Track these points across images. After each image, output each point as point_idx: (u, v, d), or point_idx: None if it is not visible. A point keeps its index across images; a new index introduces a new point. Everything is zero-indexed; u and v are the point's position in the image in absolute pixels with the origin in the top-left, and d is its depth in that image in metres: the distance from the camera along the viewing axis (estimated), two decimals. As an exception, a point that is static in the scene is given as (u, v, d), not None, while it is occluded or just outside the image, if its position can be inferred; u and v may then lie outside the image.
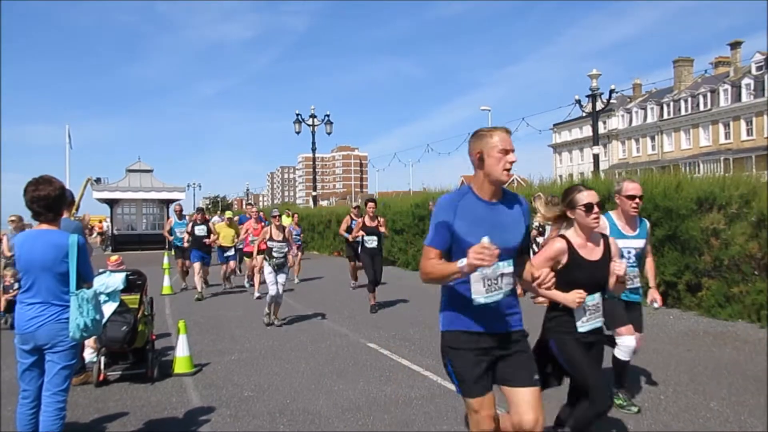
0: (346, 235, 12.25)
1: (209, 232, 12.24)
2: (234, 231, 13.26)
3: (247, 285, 13.32)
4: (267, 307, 8.87)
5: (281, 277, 8.79)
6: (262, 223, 12.63)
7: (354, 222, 11.76)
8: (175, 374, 6.12)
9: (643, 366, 6.11)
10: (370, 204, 10.31)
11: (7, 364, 6.39)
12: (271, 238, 8.76)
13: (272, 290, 8.60)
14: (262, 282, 10.90)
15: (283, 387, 5.71)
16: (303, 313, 9.82)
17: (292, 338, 7.97)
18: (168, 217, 32.14)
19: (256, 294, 11.63)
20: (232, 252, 13.17)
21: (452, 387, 5.54)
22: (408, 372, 6.18)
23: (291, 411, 5.01)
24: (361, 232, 10.13)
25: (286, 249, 8.86)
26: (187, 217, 14.01)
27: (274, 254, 8.71)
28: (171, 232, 13.43)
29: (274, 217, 9.01)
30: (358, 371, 6.22)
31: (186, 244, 12.58)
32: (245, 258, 13.69)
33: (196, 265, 11.83)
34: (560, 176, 37.18)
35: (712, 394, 5.19)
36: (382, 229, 10.22)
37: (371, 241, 10.05)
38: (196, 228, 12.15)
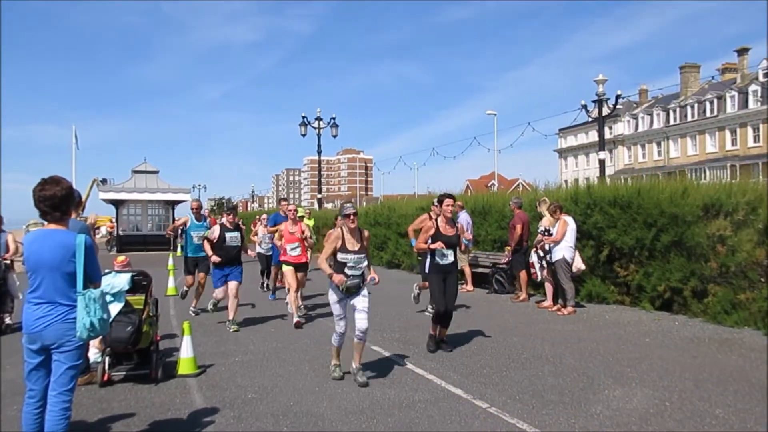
0: (413, 242, 9.17)
1: (243, 240, 9.12)
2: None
3: (295, 313, 9.23)
4: (334, 355, 6.20)
5: (361, 302, 5.99)
6: (302, 226, 9.73)
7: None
8: (179, 375, 6.14)
9: (647, 372, 6.10)
10: (448, 201, 7.12)
11: (11, 364, 6.42)
12: (343, 248, 5.92)
13: (339, 327, 6.02)
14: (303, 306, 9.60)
15: (287, 389, 5.71)
16: (307, 316, 9.81)
17: (296, 341, 7.97)
18: (174, 218, 32.26)
19: (296, 317, 9.02)
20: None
21: (455, 390, 5.56)
22: (412, 375, 6.17)
23: (294, 413, 5.01)
24: (434, 244, 7.01)
25: (365, 263, 6.06)
26: (208, 219, 10.74)
27: (348, 272, 5.90)
28: (185, 235, 10.32)
29: (347, 216, 5.95)
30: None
31: (214, 258, 8.71)
32: (284, 266, 9.74)
33: (232, 286, 8.74)
34: (565, 181, 37.14)
35: (717, 401, 5.16)
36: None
37: (446, 256, 7.09)
38: (228, 235, 8.82)
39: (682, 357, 6.75)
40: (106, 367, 5.88)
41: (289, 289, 9.44)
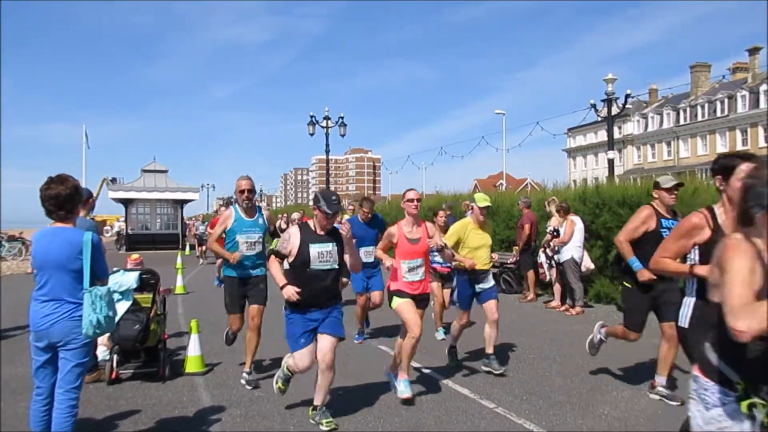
0: (633, 263, 4.91)
1: (342, 258, 4.78)
2: (489, 235, 6.28)
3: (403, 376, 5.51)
4: None
5: None
6: (427, 228, 5.51)
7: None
8: (186, 373, 6.16)
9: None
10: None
11: (19, 361, 6.45)
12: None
13: None
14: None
15: (294, 388, 5.69)
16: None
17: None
18: (183, 218, 32.34)
19: (403, 390, 5.22)
20: (491, 282, 6.17)
21: (462, 390, 5.54)
22: (418, 375, 6.15)
23: (301, 412, 5.01)
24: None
25: None
26: (263, 210, 6.22)
27: None
28: (230, 237, 5.87)
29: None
30: (369, 373, 6.21)
31: (287, 291, 4.57)
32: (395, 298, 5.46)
33: (326, 345, 4.76)
34: (574, 181, 36.99)
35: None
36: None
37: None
38: (315, 250, 4.61)
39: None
40: (114, 364, 5.91)
41: (405, 335, 5.27)
